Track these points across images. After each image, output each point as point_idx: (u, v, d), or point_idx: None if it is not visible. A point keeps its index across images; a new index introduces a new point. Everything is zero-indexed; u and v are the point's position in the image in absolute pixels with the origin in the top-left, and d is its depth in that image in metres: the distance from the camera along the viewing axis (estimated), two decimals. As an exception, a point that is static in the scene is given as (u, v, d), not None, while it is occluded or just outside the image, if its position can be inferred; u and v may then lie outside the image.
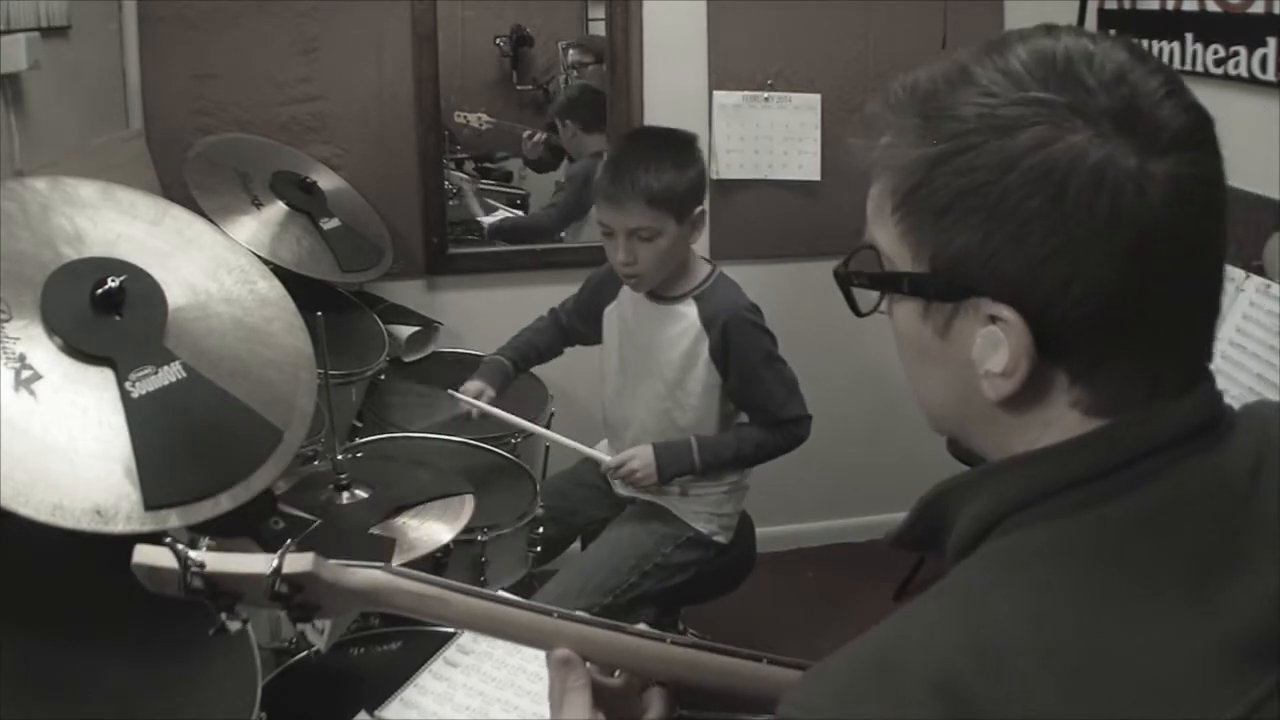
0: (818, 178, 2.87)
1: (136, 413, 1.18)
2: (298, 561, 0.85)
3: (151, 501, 1.14)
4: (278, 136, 2.56)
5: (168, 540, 0.86)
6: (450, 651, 1.38)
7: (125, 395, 1.18)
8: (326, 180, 2.49)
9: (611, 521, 2.17)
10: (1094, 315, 0.61)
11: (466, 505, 1.71)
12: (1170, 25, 2.34)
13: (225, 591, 0.87)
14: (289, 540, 0.90)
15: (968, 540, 0.67)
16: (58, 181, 1.33)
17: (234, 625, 0.90)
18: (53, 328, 1.19)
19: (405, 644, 1.55)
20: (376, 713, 1.29)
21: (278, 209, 2.24)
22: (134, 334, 1.24)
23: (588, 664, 0.88)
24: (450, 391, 2.10)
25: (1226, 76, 2.19)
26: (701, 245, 2.22)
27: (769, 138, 2.85)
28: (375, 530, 1.59)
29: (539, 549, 1.99)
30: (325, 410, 1.64)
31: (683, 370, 2.04)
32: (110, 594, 1.16)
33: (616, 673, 0.90)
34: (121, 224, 1.34)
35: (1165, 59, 2.35)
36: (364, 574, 0.88)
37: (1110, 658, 0.57)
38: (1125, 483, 0.62)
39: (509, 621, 0.89)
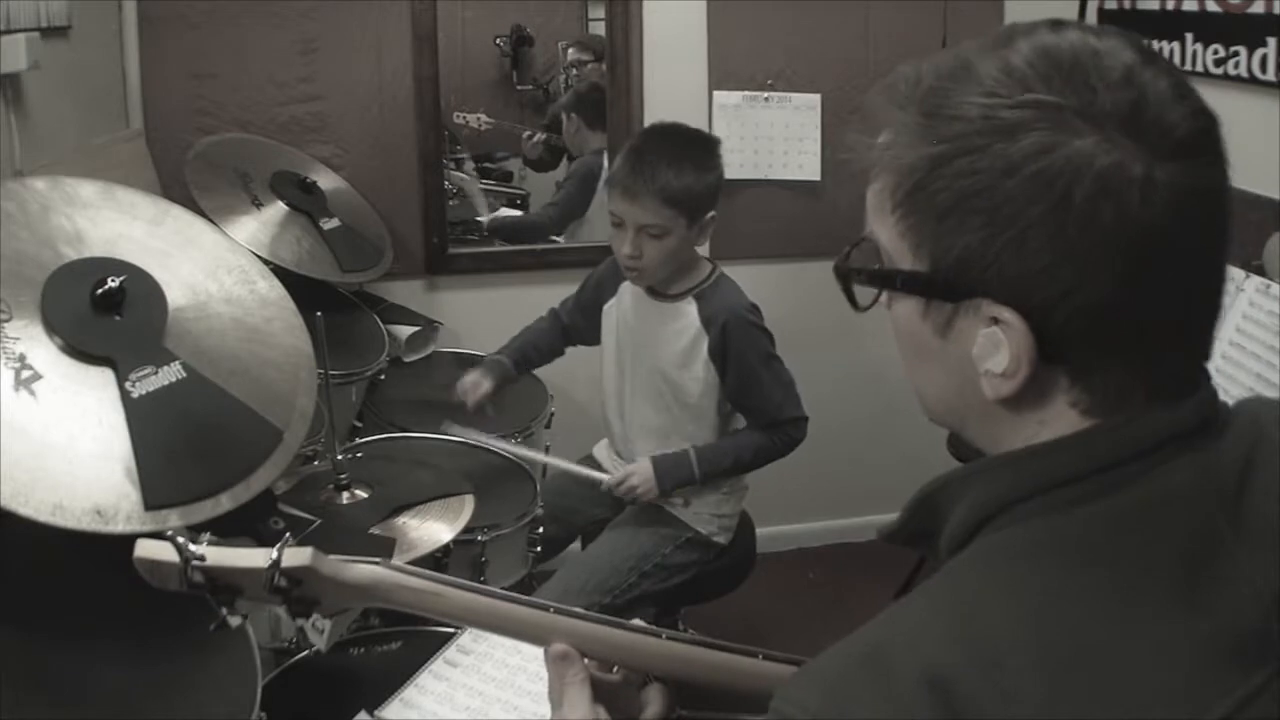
0: (818, 178, 2.87)
1: (136, 413, 1.18)
2: (297, 555, 0.86)
3: (151, 501, 1.14)
4: (278, 136, 2.56)
5: (169, 534, 0.87)
6: (450, 651, 1.38)
7: (125, 395, 1.18)
8: (326, 180, 2.49)
9: (612, 521, 2.17)
10: (1096, 319, 0.61)
11: (466, 505, 1.71)
12: (1170, 25, 2.34)
13: (225, 585, 0.87)
14: (288, 534, 0.90)
15: (960, 536, 0.67)
16: (58, 181, 1.33)
17: (235, 620, 0.90)
18: (53, 328, 1.19)
19: (405, 644, 1.55)
20: (376, 713, 1.29)
21: (278, 209, 2.24)
22: (134, 334, 1.24)
23: (585, 660, 0.88)
24: (446, 427, 2.10)
25: (1226, 76, 2.19)
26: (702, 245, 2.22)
27: (769, 138, 2.85)
28: (375, 530, 1.59)
29: (539, 549, 1.99)
30: (325, 410, 1.64)
31: (681, 368, 2.04)
32: (110, 594, 1.17)
33: (615, 668, 0.90)
34: (121, 224, 1.34)
35: (1178, 67, 2.35)
36: (363, 569, 0.88)
37: (1100, 655, 0.57)
38: (1115, 481, 0.62)
39: (506, 616, 0.89)
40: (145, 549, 0.87)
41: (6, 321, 1.17)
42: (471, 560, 1.83)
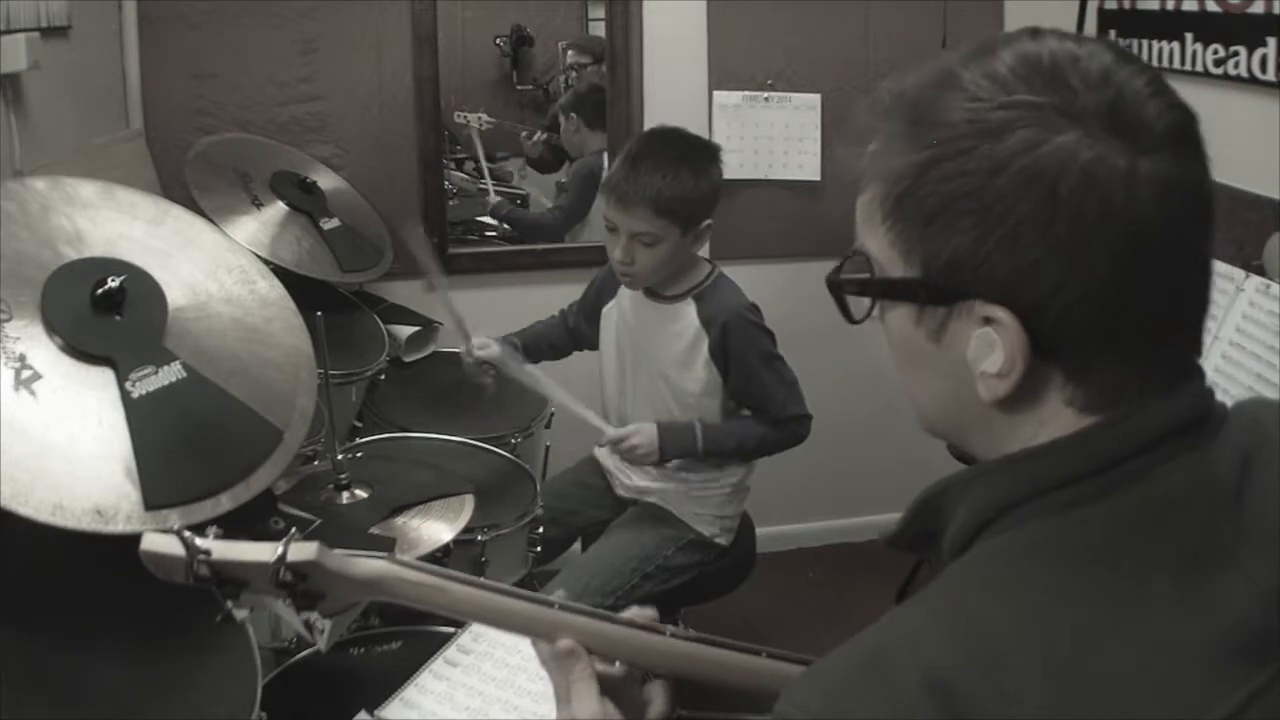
0: (818, 178, 2.87)
1: (136, 413, 1.18)
2: (302, 550, 0.86)
3: (151, 501, 1.14)
4: (278, 136, 2.56)
5: (175, 528, 0.87)
6: (451, 651, 1.38)
7: (125, 395, 1.18)
8: (326, 180, 2.49)
9: (612, 523, 2.17)
10: (1087, 313, 0.62)
11: (466, 505, 1.71)
12: (1170, 25, 2.34)
13: (231, 579, 0.88)
14: (294, 529, 0.90)
15: (961, 540, 0.68)
16: (58, 181, 1.33)
17: (240, 613, 0.91)
18: (53, 328, 1.19)
19: (405, 644, 1.55)
20: (376, 713, 1.29)
21: (278, 209, 2.24)
22: (134, 334, 1.24)
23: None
24: (463, 335, 2.05)
25: (1226, 76, 2.19)
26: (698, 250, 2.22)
27: (769, 138, 2.85)
28: (375, 530, 1.59)
29: (539, 549, 1.99)
30: (325, 410, 1.64)
31: (682, 369, 2.03)
32: (110, 594, 1.17)
33: (617, 663, 0.90)
34: (121, 224, 1.34)
35: (1165, 59, 2.35)
36: (368, 563, 0.89)
37: (1101, 656, 0.57)
38: (1114, 481, 0.63)
39: (511, 612, 0.90)
40: (151, 542, 0.87)
41: (6, 321, 1.17)
42: (471, 560, 1.82)
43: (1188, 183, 0.62)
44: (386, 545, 1.49)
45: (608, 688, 0.88)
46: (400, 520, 1.64)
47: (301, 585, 0.87)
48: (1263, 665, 0.57)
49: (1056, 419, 0.65)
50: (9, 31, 1.69)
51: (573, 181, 3.05)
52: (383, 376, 2.30)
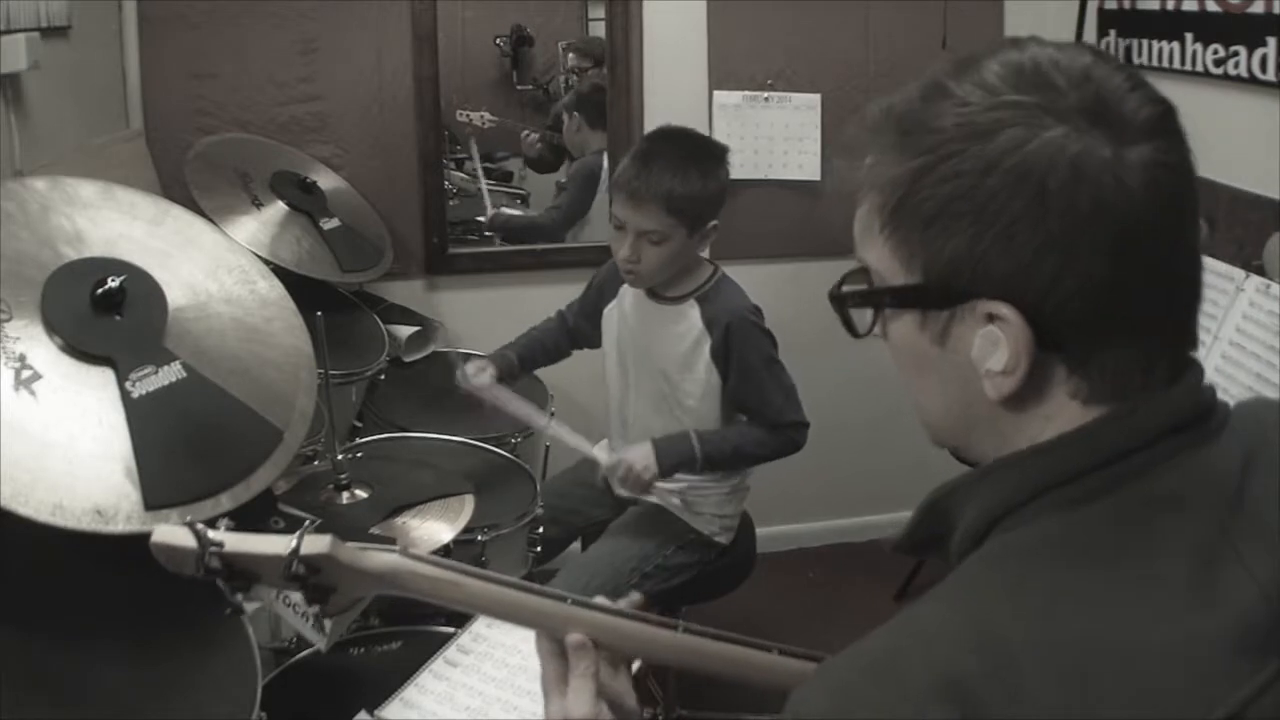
0: (818, 178, 2.87)
1: (136, 413, 1.18)
2: (315, 543, 0.86)
3: (151, 501, 1.14)
4: (278, 136, 2.56)
5: (187, 520, 0.87)
6: (450, 651, 1.38)
7: (125, 395, 1.18)
8: (326, 180, 2.49)
9: (612, 522, 2.17)
10: (1086, 304, 0.63)
11: (466, 505, 1.71)
12: (1170, 25, 2.34)
13: (242, 572, 0.87)
14: (307, 522, 0.90)
15: (970, 540, 0.68)
16: (58, 181, 1.33)
17: (250, 606, 0.91)
18: (53, 328, 1.19)
19: (405, 644, 1.55)
20: (376, 713, 1.29)
21: (278, 209, 2.24)
22: (134, 334, 1.24)
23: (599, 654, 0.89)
24: (459, 353, 2.08)
25: (1226, 76, 2.19)
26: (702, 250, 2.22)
27: (769, 138, 2.85)
28: (375, 530, 1.59)
29: (539, 549, 1.99)
30: (325, 410, 1.64)
31: (683, 370, 2.03)
32: (110, 594, 1.17)
33: (619, 670, 0.91)
34: (121, 224, 1.34)
35: (1165, 59, 2.35)
36: (381, 557, 0.89)
37: (1110, 652, 0.58)
38: (1120, 475, 0.64)
39: (523, 606, 0.90)
40: (163, 534, 0.87)
41: (6, 321, 1.17)
42: (471, 560, 1.82)
43: (1172, 170, 0.64)
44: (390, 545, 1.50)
45: (605, 694, 0.88)
46: (400, 520, 1.64)
47: (313, 578, 0.87)
48: (1267, 661, 0.58)
49: (1062, 413, 0.66)
50: (9, 31, 1.69)
51: (572, 180, 3.05)
52: (383, 376, 2.30)
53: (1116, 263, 0.62)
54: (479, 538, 1.81)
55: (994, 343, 0.65)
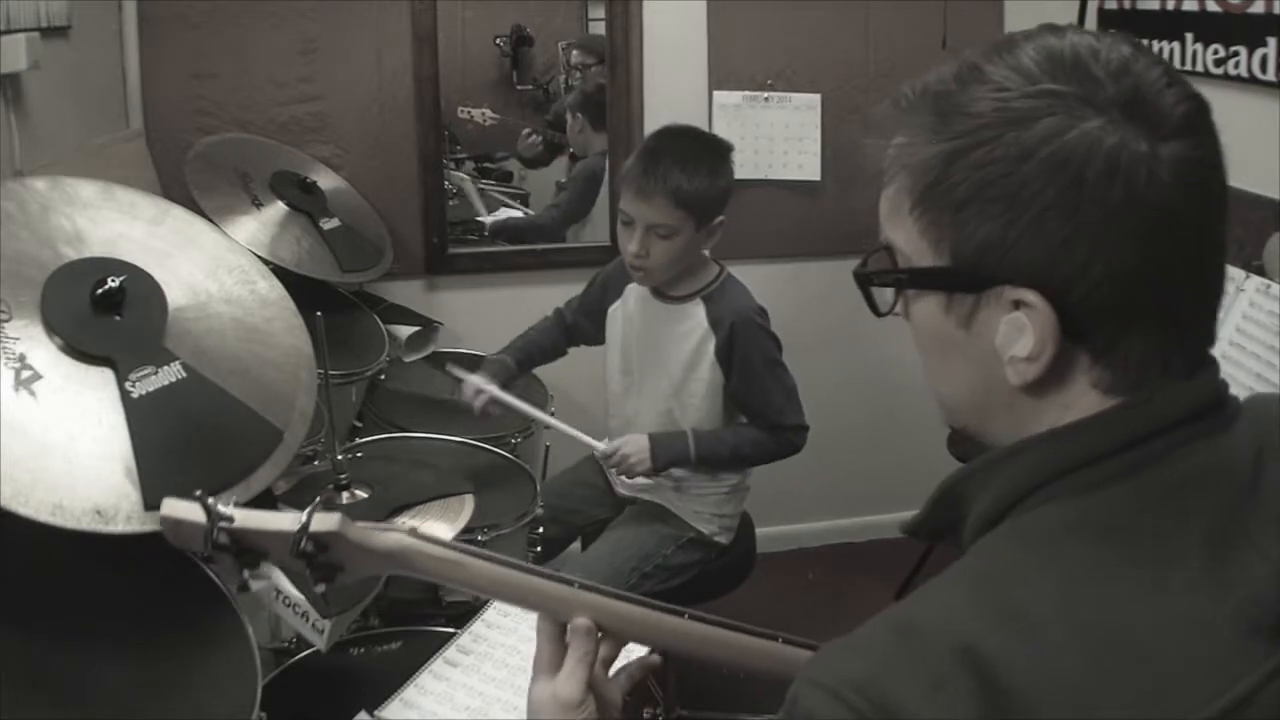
0: (818, 178, 2.87)
1: (136, 413, 1.18)
2: (325, 520, 0.86)
3: (151, 501, 1.14)
4: (278, 136, 2.56)
5: (197, 494, 0.86)
6: (451, 651, 1.38)
7: (125, 395, 1.18)
8: (326, 180, 2.49)
9: (612, 522, 2.17)
10: (1112, 294, 0.63)
11: (466, 505, 1.70)
12: (1170, 25, 2.34)
13: (251, 548, 0.87)
14: (318, 499, 0.90)
15: (987, 520, 0.68)
16: (58, 181, 1.33)
17: (257, 584, 0.90)
18: (53, 328, 1.19)
19: (405, 644, 1.55)
20: (376, 713, 1.29)
21: (278, 209, 2.24)
22: (134, 334, 1.24)
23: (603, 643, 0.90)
24: (450, 367, 2.09)
25: (1226, 76, 2.19)
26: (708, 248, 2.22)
27: (769, 138, 2.85)
28: (375, 530, 1.59)
29: (539, 549, 1.99)
30: (325, 410, 1.64)
31: (687, 369, 2.04)
32: (110, 594, 1.17)
33: (610, 671, 0.91)
34: (121, 224, 1.34)
35: (1165, 59, 2.35)
36: (389, 536, 0.89)
37: (1130, 630, 0.59)
38: (1138, 461, 0.64)
39: (530, 589, 0.90)
40: (171, 508, 0.87)
41: (6, 321, 1.16)
42: (471, 560, 1.82)
43: (1204, 167, 0.65)
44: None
45: (595, 688, 0.89)
46: (400, 520, 1.64)
47: (322, 556, 0.86)
48: (1278, 646, 0.59)
49: (1082, 401, 0.67)
50: (9, 31, 1.69)
51: (575, 181, 3.05)
52: (383, 376, 2.30)
53: (1145, 255, 0.63)
54: (479, 538, 1.81)
55: (1019, 329, 0.65)
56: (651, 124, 2.71)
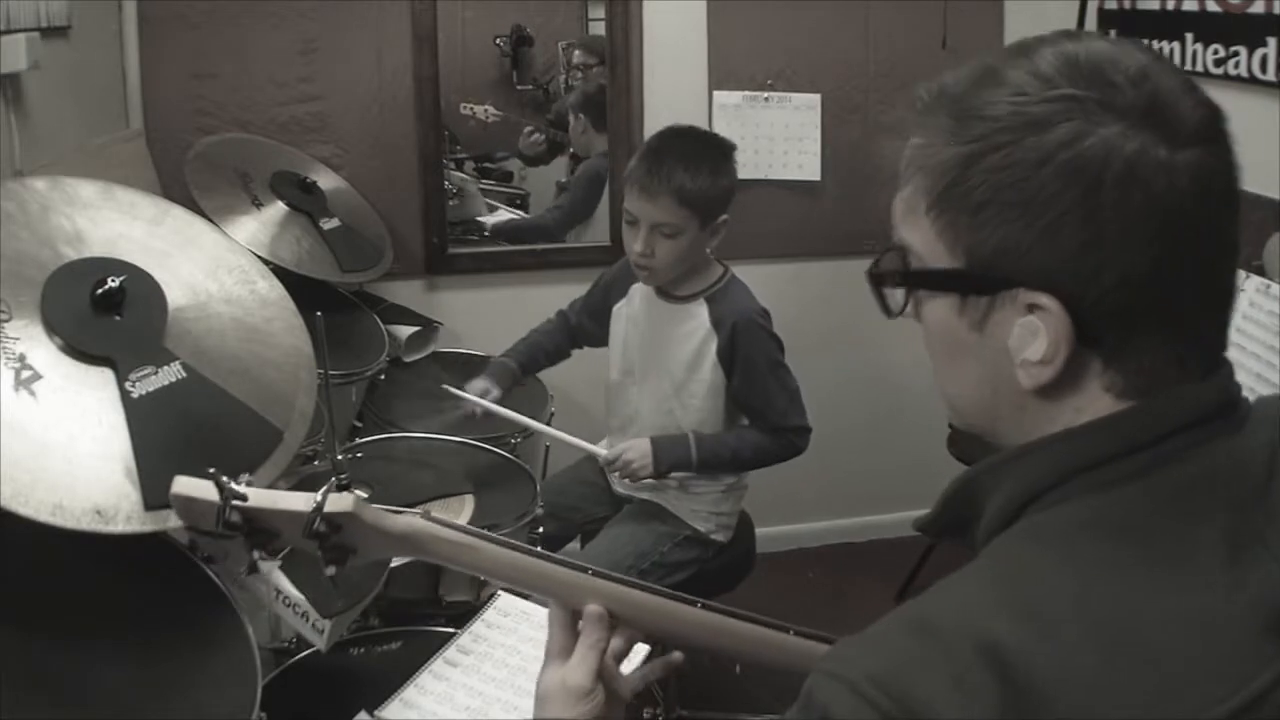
0: (818, 178, 2.87)
1: (136, 413, 1.18)
2: (339, 501, 0.86)
3: (151, 501, 1.14)
4: (278, 136, 2.56)
5: (211, 471, 0.86)
6: (451, 651, 1.38)
7: (125, 395, 1.18)
8: (326, 180, 2.49)
9: (610, 520, 2.17)
10: (1127, 299, 0.64)
11: (466, 505, 1.71)
12: (1170, 25, 2.34)
13: (263, 528, 0.87)
14: (333, 479, 0.90)
15: (1001, 519, 0.69)
16: (58, 181, 1.33)
17: (266, 565, 0.90)
18: (53, 328, 1.19)
19: (405, 644, 1.55)
20: (376, 713, 1.29)
21: (278, 209, 2.24)
22: (134, 334, 1.24)
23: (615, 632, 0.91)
24: (446, 386, 2.10)
25: (1226, 76, 2.19)
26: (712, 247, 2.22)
27: (769, 138, 2.85)
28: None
29: (538, 548, 1.99)
30: (325, 410, 1.64)
31: (690, 370, 2.04)
32: (110, 594, 1.17)
33: (621, 666, 0.92)
34: (121, 224, 1.34)
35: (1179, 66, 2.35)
36: (402, 518, 0.89)
37: (1146, 628, 0.59)
38: (1151, 461, 0.64)
39: (543, 575, 0.90)
40: (183, 486, 0.86)
41: (6, 321, 1.16)
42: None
43: (1220, 175, 0.65)
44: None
45: (604, 677, 0.89)
46: (400, 520, 1.64)
47: (334, 538, 0.86)
48: None
49: (1094, 405, 0.67)
50: (9, 31, 1.69)
51: (577, 182, 3.05)
52: (383, 376, 2.30)
53: (1161, 261, 0.63)
54: (479, 538, 1.81)
55: (1033, 332, 0.65)
56: (652, 124, 2.71)
